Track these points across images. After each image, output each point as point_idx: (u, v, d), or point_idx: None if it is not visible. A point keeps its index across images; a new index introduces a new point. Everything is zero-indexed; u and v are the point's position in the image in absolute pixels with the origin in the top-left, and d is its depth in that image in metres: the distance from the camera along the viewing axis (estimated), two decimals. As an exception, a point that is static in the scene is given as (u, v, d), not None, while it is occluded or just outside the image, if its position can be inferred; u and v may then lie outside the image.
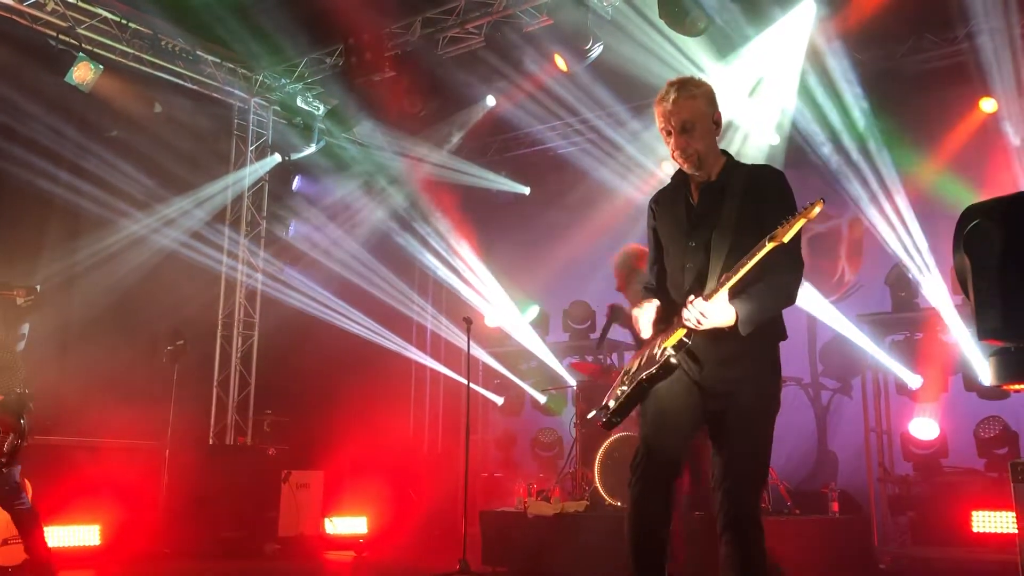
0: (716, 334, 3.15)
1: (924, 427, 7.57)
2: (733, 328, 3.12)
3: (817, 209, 2.98)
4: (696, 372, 3.21)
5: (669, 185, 3.50)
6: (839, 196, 8.98)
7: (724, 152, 3.40)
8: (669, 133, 3.27)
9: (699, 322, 3.10)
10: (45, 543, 5.51)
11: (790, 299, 3.26)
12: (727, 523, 3.13)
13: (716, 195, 3.28)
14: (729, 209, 3.21)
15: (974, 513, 6.77)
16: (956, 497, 6.97)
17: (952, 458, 7.44)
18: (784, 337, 3.38)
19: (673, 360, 3.17)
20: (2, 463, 5.26)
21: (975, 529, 6.74)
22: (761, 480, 3.30)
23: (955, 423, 7.61)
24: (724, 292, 3.08)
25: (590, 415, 5.75)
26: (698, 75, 7.06)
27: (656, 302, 3.34)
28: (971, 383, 7.62)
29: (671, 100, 3.25)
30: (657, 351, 3.24)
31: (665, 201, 3.48)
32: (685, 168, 3.34)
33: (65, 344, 7.90)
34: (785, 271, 3.18)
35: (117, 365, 7.60)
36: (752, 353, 3.21)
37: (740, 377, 3.21)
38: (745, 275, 3.06)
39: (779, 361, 3.37)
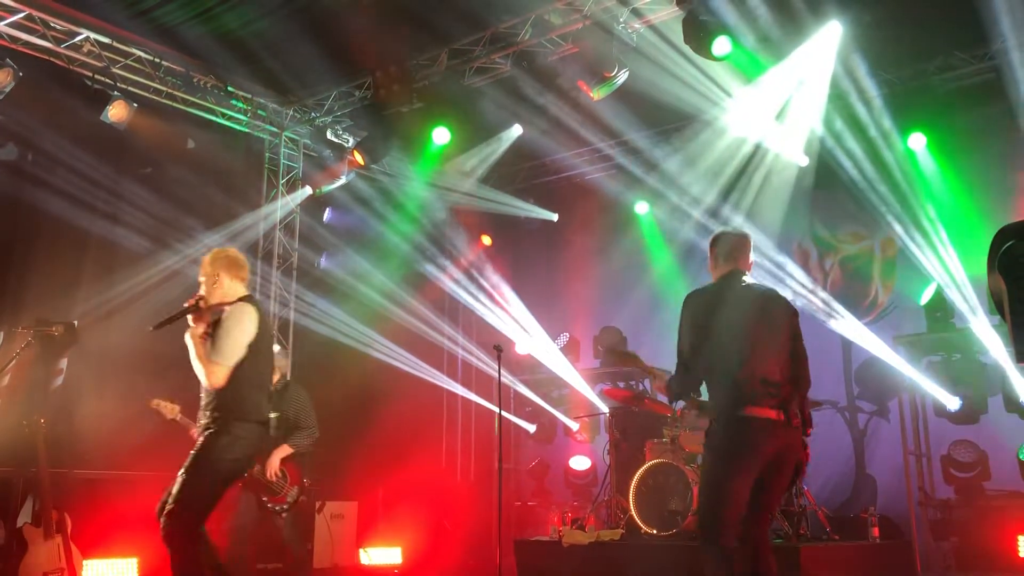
0: None
1: (964, 450, 7.44)
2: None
3: None
4: None
5: None
6: (870, 216, 8.92)
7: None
8: None
9: None
10: None
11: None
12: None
13: None
14: None
15: (1020, 538, 6.63)
16: (1001, 521, 6.83)
17: (995, 481, 7.31)
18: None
19: None
20: (284, 509, 5.86)
21: (1022, 554, 6.60)
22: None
23: (997, 445, 7.48)
24: None
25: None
26: (724, 98, 7.36)
27: None
28: (1012, 404, 7.49)
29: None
30: None
31: None
32: None
33: (103, 378, 7.99)
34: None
35: (154, 398, 7.67)
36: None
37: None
38: None
39: (716, 435, 3.92)
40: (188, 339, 4.31)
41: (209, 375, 4.22)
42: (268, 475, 5.78)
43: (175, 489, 4.20)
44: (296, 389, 6.20)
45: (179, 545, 4.19)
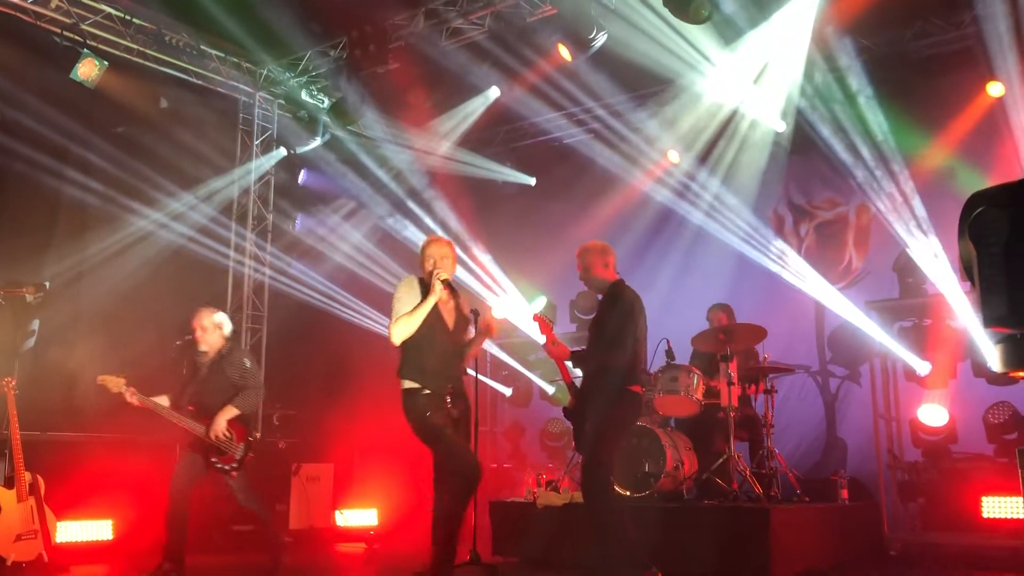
0: None
1: (933, 413, 7.57)
2: None
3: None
4: None
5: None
6: (846, 183, 8.97)
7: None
8: None
9: None
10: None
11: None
12: None
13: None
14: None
15: (984, 499, 6.77)
16: (966, 483, 6.96)
17: (961, 444, 7.45)
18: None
19: None
20: (234, 467, 5.89)
21: (985, 515, 6.74)
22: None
23: (964, 409, 7.60)
24: None
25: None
26: (702, 63, 7.68)
27: None
28: (980, 369, 7.61)
29: None
30: None
31: None
32: None
33: (75, 340, 7.93)
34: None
35: (126, 361, 7.62)
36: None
37: None
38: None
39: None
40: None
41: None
42: (212, 436, 5.79)
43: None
44: (240, 352, 6.20)
45: None
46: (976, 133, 8.14)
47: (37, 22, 8.08)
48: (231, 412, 5.88)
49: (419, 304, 4.97)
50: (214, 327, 6.09)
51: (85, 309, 8.19)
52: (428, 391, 5.00)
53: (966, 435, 7.48)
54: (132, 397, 5.75)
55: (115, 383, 5.74)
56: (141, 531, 7.24)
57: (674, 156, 9.90)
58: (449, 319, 5.13)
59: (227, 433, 5.85)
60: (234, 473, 5.91)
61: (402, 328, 4.96)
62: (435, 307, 5.01)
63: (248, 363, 6.13)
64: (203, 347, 6.07)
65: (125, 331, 8.07)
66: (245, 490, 6.04)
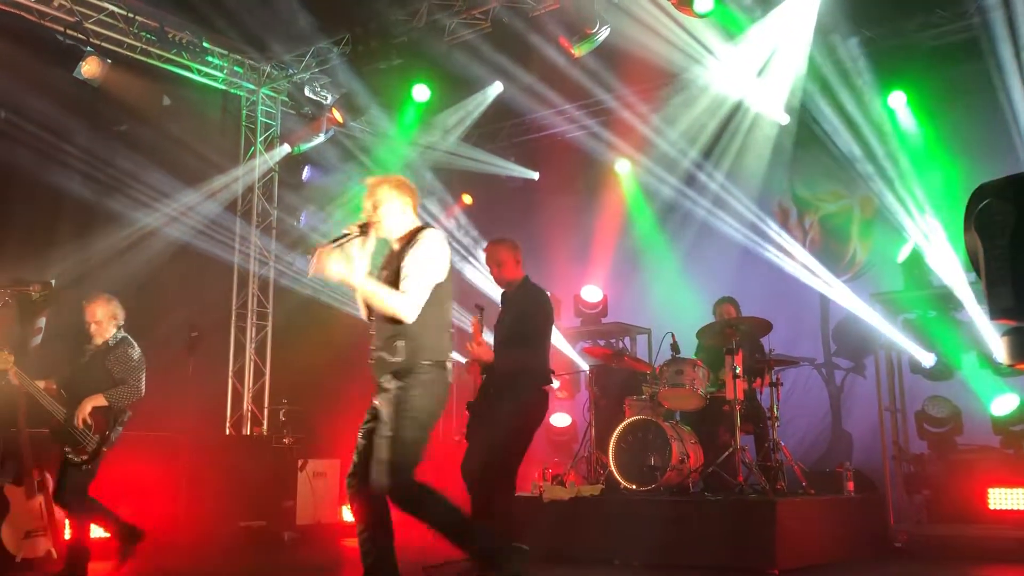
0: None
1: (938, 405, 7.55)
2: None
3: None
4: None
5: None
6: (849, 175, 8.95)
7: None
8: None
9: None
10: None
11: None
12: None
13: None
14: None
15: (990, 490, 6.76)
16: (972, 474, 6.95)
17: (967, 435, 7.42)
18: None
19: None
20: (84, 460, 5.55)
21: (991, 506, 6.74)
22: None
23: (969, 401, 7.59)
24: None
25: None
26: (705, 56, 7.41)
27: None
28: (985, 361, 7.59)
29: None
30: None
31: None
32: None
33: (80, 338, 7.94)
34: None
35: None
36: None
37: None
38: None
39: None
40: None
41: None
42: (76, 423, 5.49)
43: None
44: (129, 346, 5.89)
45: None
46: (981, 124, 8.12)
47: (41, 20, 8.09)
48: (99, 401, 5.57)
49: None
50: (109, 318, 5.85)
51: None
52: None
53: (971, 427, 7.46)
54: (14, 378, 5.51)
55: (4, 359, 5.50)
56: (148, 527, 7.25)
57: (677, 150, 9.89)
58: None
59: (88, 421, 5.54)
60: (84, 467, 5.54)
61: None
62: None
63: (135, 359, 5.83)
64: (97, 339, 5.84)
65: (131, 328, 8.06)
66: (77, 491, 5.59)
